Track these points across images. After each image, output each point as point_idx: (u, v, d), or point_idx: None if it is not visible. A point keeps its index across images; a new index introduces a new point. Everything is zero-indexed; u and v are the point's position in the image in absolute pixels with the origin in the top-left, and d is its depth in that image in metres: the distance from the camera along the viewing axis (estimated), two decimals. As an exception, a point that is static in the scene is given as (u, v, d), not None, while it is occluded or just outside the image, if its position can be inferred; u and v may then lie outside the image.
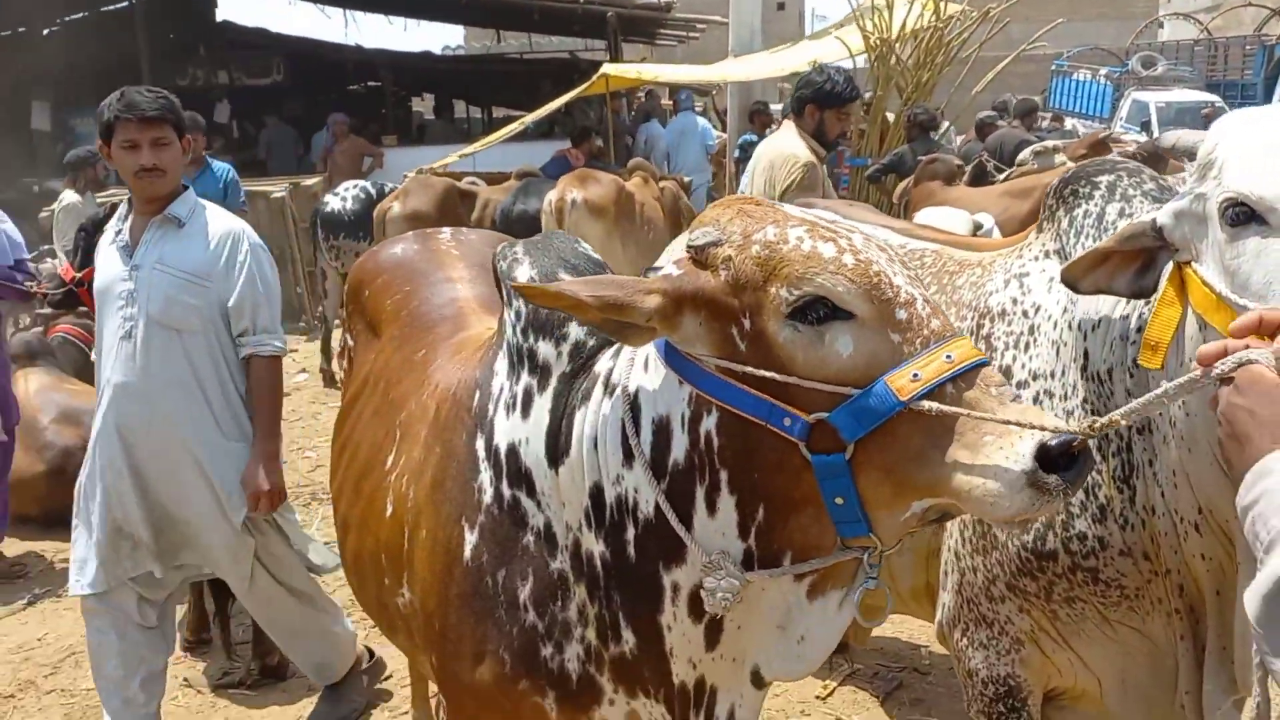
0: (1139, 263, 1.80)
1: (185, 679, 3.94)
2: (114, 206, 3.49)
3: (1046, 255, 2.14)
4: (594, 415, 1.67)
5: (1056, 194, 2.14)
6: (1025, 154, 7.50)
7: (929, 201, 6.32)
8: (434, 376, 2.12)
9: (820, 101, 4.72)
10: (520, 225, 7.24)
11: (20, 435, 5.06)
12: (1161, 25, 29.59)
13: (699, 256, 1.52)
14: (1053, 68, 22.72)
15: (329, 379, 8.14)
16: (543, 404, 1.76)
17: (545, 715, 1.78)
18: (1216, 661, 1.89)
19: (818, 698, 3.74)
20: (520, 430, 1.78)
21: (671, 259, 1.60)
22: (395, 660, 3.72)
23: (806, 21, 31.84)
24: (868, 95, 9.42)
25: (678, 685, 1.67)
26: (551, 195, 7.45)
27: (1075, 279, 1.86)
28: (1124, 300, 1.90)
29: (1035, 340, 2.08)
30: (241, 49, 18.76)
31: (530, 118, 13.16)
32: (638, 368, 1.63)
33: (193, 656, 4.12)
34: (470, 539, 1.82)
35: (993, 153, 8.72)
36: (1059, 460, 1.31)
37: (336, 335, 8.20)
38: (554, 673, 1.75)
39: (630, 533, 1.63)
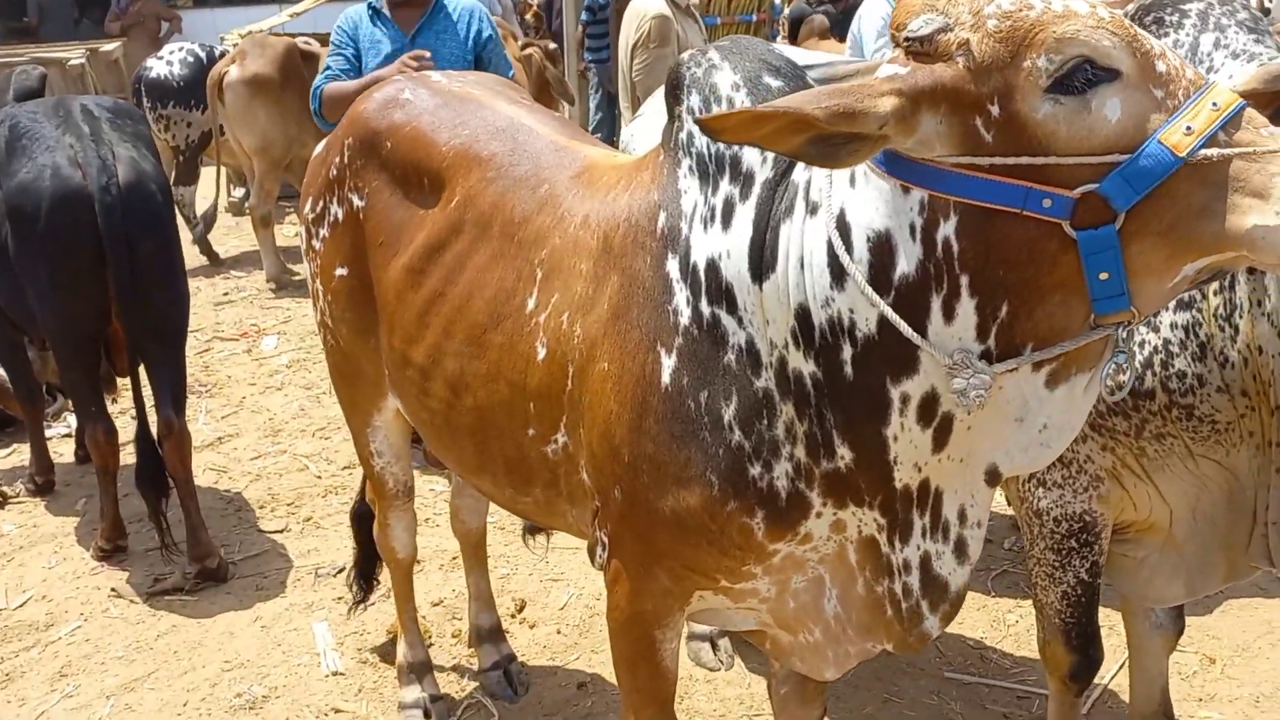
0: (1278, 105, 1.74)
1: (112, 589, 3.62)
2: None
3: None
4: (793, 233, 1.59)
5: (1137, 22, 2.07)
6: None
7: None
8: (578, 208, 1.96)
9: None
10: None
11: None
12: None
13: (926, 49, 1.40)
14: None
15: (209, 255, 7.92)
16: (745, 213, 1.68)
17: (752, 534, 1.74)
18: (1310, 493, 1.95)
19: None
20: (721, 243, 1.70)
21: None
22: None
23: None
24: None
25: (899, 489, 1.63)
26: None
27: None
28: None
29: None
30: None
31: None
32: (841, 184, 1.54)
33: (111, 565, 3.77)
34: (668, 363, 1.74)
35: None
36: None
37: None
38: (763, 491, 1.71)
39: (847, 352, 1.56)
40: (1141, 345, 2.01)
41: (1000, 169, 1.38)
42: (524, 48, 7.95)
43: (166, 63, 7.93)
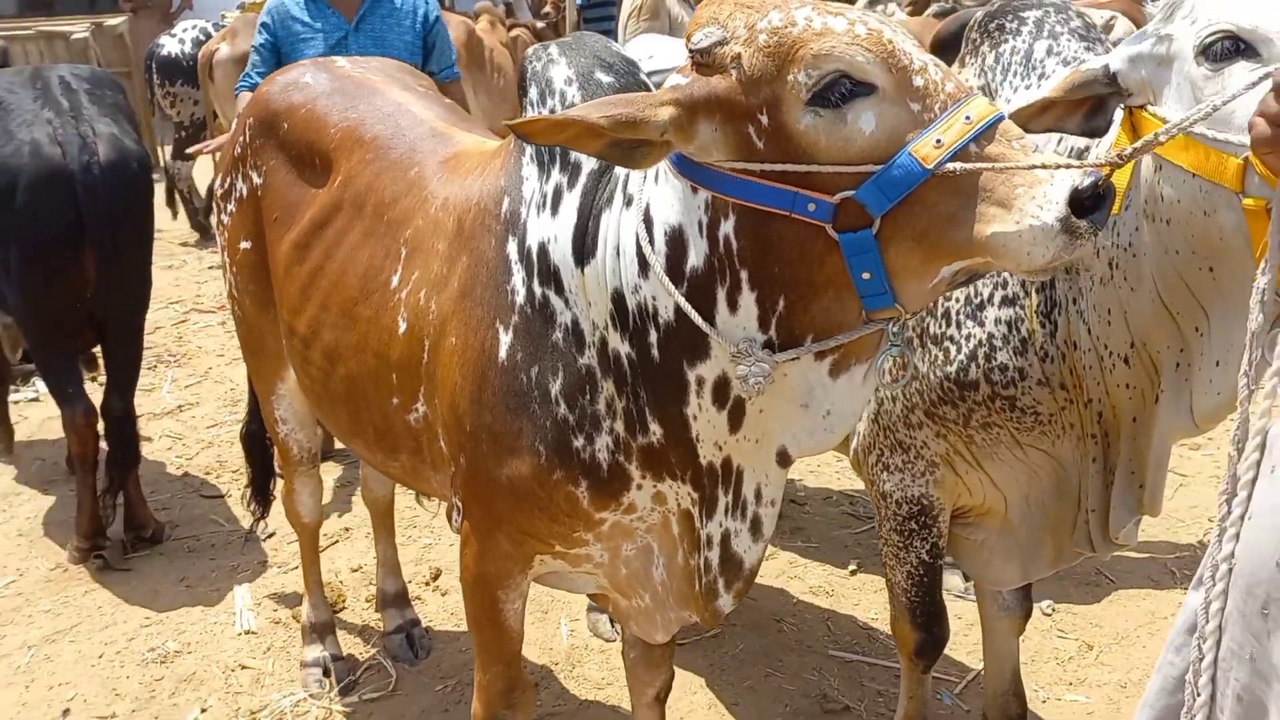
0: (1087, 107, 1.83)
1: (59, 565, 3.73)
2: None
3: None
4: (612, 223, 1.70)
5: (981, 28, 2.16)
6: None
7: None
8: (440, 191, 2.08)
9: None
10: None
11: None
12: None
13: (705, 60, 1.49)
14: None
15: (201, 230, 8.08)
16: (571, 201, 1.79)
17: (578, 502, 1.86)
18: (1125, 483, 2.04)
19: (702, 535, 3.89)
20: (550, 228, 1.81)
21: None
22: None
23: None
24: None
25: (705, 466, 1.74)
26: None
27: (1022, 124, 1.89)
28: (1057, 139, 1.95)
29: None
30: None
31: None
32: (649, 181, 1.63)
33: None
34: (505, 339, 1.85)
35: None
36: (1087, 204, 1.33)
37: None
38: (586, 462, 1.82)
39: (653, 336, 1.67)
40: (967, 338, 2.11)
41: (770, 174, 1.46)
42: (511, 29, 8.07)
43: (179, 40, 8.08)
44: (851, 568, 3.62)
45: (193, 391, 5.26)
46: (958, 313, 2.11)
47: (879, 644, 3.21)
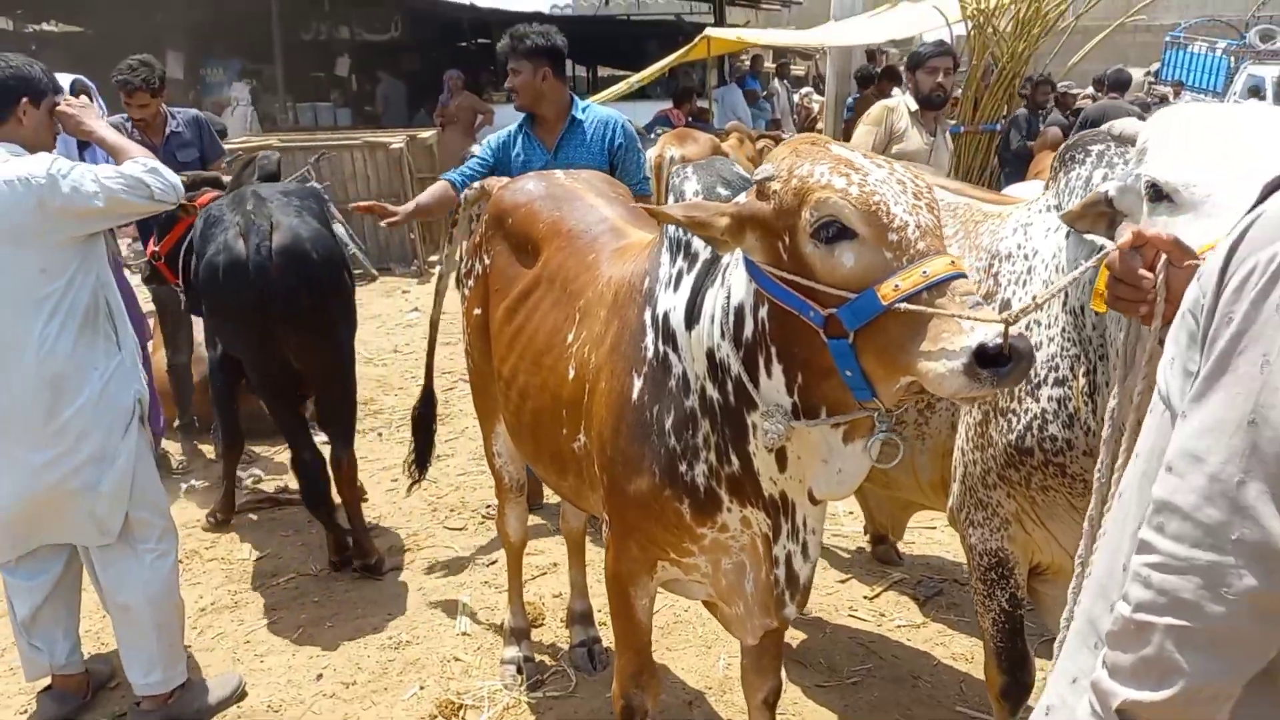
0: (1106, 220, 2.26)
1: (324, 568, 4.63)
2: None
3: (1048, 209, 2.61)
4: (712, 298, 2.21)
5: (1060, 158, 2.60)
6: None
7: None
8: (606, 271, 2.69)
9: (910, 65, 5.71)
10: (621, 180, 7.82)
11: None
12: (1288, -4, 28.56)
13: (760, 188, 2.00)
14: (1166, 39, 22.27)
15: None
16: (688, 281, 2.30)
17: (682, 516, 2.35)
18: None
19: (866, 598, 4.28)
20: (672, 300, 2.33)
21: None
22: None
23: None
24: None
25: (766, 497, 2.26)
26: (651, 152, 7.96)
27: (1071, 222, 2.34)
28: (1097, 248, 2.37)
29: (1031, 278, 2.57)
30: (362, 5, 19.54)
31: (636, 78, 13.64)
32: (735, 267, 2.15)
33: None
34: (637, 384, 2.38)
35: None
36: (995, 358, 1.69)
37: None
38: (688, 484, 2.30)
39: (729, 385, 2.17)
40: (1026, 412, 2.51)
41: (788, 281, 1.93)
42: (759, 139, 8.83)
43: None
44: (996, 641, 3.90)
45: (450, 445, 6.15)
46: (1020, 390, 2.52)
47: (1002, 705, 3.50)
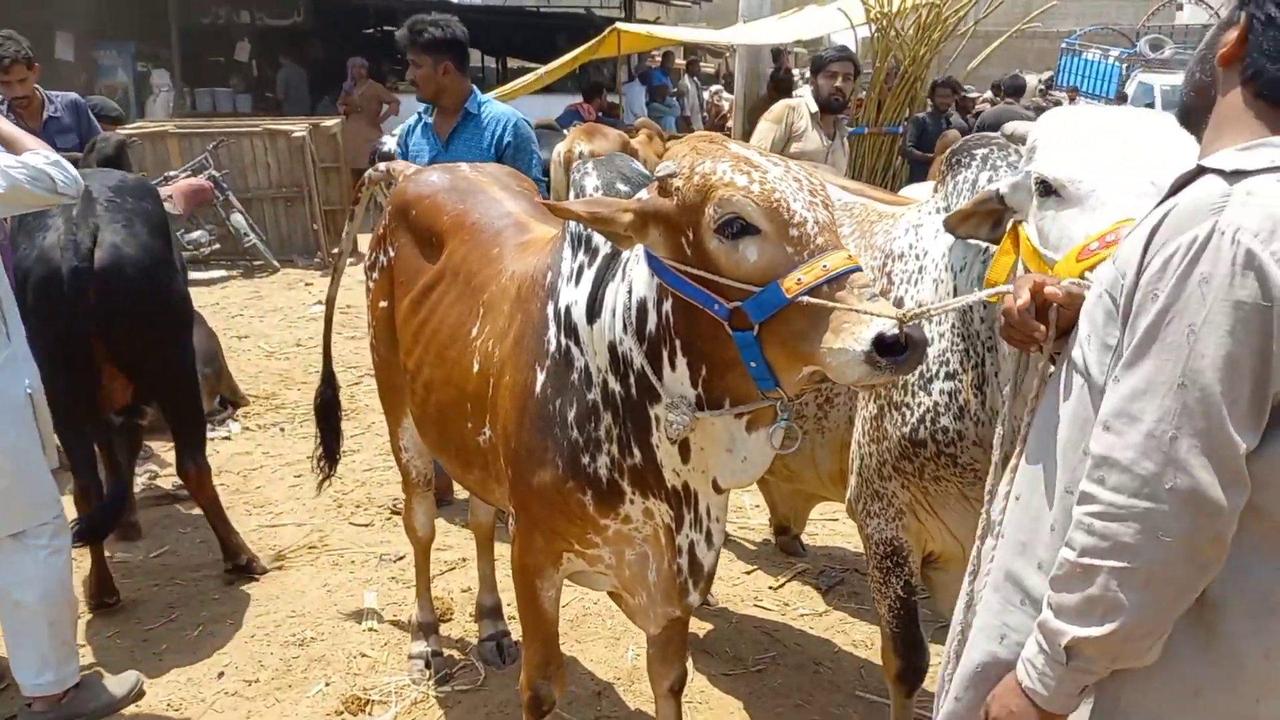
0: (993, 219, 2.36)
1: (233, 567, 4.56)
2: None
3: (937, 211, 2.71)
4: (613, 292, 2.26)
5: (948, 162, 2.70)
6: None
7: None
8: (510, 266, 2.73)
9: (812, 68, 5.91)
10: (531, 172, 7.83)
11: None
12: (1180, 7, 29.67)
13: (662, 184, 2.04)
14: (1062, 46, 22.97)
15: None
16: (589, 276, 2.36)
17: (586, 508, 2.39)
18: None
19: (770, 588, 4.38)
20: (573, 295, 2.38)
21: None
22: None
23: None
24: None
25: (669, 488, 2.31)
26: (560, 147, 7.99)
27: (953, 228, 2.44)
28: (981, 250, 2.47)
29: (921, 277, 2.67)
30: (264, -11, 19.11)
31: (544, 70, 13.61)
32: (636, 262, 2.20)
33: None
34: (540, 378, 2.42)
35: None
36: (893, 347, 1.79)
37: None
38: (590, 476, 2.35)
39: (631, 378, 2.23)
40: (919, 405, 2.61)
41: (693, 276, 1.98)
42: (666, 139, 8.92)
43: (395, 139, 9.32)
44: (893, 627, 4.03)
45: (356, 441, 6.08)
46: (913, 385, 2.62)
47: (900, 689, 3.61)
